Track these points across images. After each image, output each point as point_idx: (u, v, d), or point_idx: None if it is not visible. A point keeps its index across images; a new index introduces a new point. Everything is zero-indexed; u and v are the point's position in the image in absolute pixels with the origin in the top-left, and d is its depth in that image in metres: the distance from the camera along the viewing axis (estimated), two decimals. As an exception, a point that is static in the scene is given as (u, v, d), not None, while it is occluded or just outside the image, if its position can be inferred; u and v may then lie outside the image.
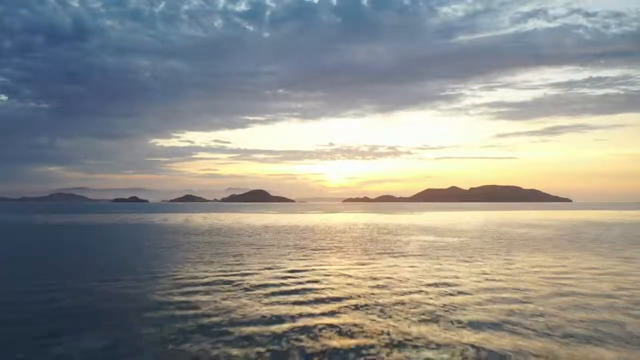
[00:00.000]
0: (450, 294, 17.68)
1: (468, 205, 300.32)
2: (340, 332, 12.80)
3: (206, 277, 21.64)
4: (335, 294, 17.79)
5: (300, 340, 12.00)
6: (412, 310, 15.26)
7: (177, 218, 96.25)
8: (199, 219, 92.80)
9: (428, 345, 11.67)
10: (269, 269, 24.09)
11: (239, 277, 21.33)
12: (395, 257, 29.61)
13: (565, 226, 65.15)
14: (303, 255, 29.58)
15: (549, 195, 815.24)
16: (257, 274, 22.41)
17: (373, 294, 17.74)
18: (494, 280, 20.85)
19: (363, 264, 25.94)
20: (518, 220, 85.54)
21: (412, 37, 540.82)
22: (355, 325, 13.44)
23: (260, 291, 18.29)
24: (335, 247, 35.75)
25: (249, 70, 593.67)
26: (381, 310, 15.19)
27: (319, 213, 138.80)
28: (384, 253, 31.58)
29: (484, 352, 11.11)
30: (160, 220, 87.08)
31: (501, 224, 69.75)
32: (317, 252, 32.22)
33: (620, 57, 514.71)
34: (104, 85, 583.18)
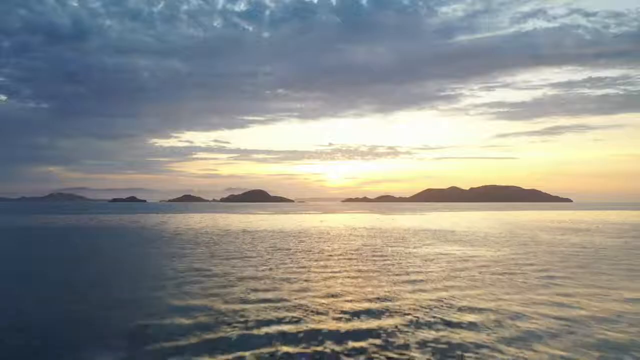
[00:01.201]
0: None
1: (470, 206, 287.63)
2: None
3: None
4: None
5: None
6: None
7: (152, 220, 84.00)
8: (178, 220, 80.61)
9: None
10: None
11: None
12: (422, 287, 17.42)
13: (612, 231, 52.96)
14: (258, 300, 17.29)
15: (549, 195, 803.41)
16: None
17: None
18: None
19: (372, 319, 13.74)
20: (544, 222, 73.30)
21: (412, 37, 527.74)
22: None
23: None
24: (322, 271, 23.46)
25: (248, 70, 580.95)
26: None
27: (316, 213, 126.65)
28: (401, 279, 19.40)
29: None
30: (127, 222, 74.78)
31: (532, 228, 57.47)
32: (288, 285, 19.97)
33: (619, 57, 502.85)
34: (103, 85, 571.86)
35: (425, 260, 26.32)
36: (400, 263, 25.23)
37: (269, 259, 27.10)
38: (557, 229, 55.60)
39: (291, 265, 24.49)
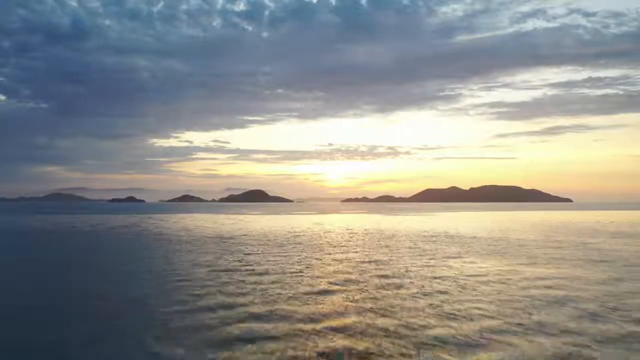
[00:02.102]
0: None
1: (472, 206, 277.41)
2: None
3: None
4: None
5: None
6: None
7: (120, 222, 74.11)
8: (152, 222, 70.78)
9: None
10: None
11: None
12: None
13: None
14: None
15: (549, 195, 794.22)
16: None
17: None
18: None
19: None
20: (574, 224, 63.46)
21: (412, 37, 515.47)
22: None
23: None
24: (299, 325, 13.62)
25: (247, 70, 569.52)
26: None
27: (312, 214, 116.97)
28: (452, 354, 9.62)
29: None
30: (88, 224, 64.86)
31: (570, 232, 47.48)
32: None
33: (619, 57, 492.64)
34: (102, 85, 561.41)
35: (466, 289, 16.52)
36: (431, 298, 15.41)
37: (213, 290, 17.30)
38: (600, 233, 45.79)
39: (245, 310, 14.62)
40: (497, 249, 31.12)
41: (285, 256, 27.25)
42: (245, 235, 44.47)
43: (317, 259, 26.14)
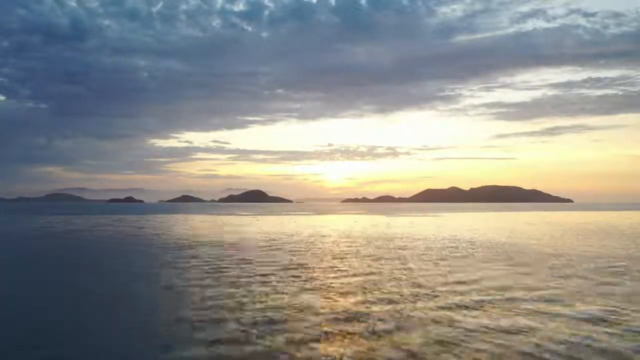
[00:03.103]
0: None
1: (474, 206, 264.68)
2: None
3: None
4: None
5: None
6: None
7: (90, 222, 63.19)
8: (127, 223, 59.91)
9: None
10: None
11: None
12: None
13: None
14: None
15: (549, 195, 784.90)
16: None
17: None
18: None
19: None
20: (609, 227, 52.56)
21: (411, 38, 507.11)
22: None
23: None
24: None
25: (247, 70, 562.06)
26: None
27: (308, 215, 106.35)
28: None
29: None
30: (51, 224, 54.01)
31: (632, 250, 36.55)
32: None
33: (619, 58, 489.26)
34: (102, 85, 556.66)
35: None
36: None
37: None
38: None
39: None
40: (573, 274, 20.17)
41: (234, 297, 16.28)
42: (210, 242, 33.60)
43: (289, 297, 15.24)
